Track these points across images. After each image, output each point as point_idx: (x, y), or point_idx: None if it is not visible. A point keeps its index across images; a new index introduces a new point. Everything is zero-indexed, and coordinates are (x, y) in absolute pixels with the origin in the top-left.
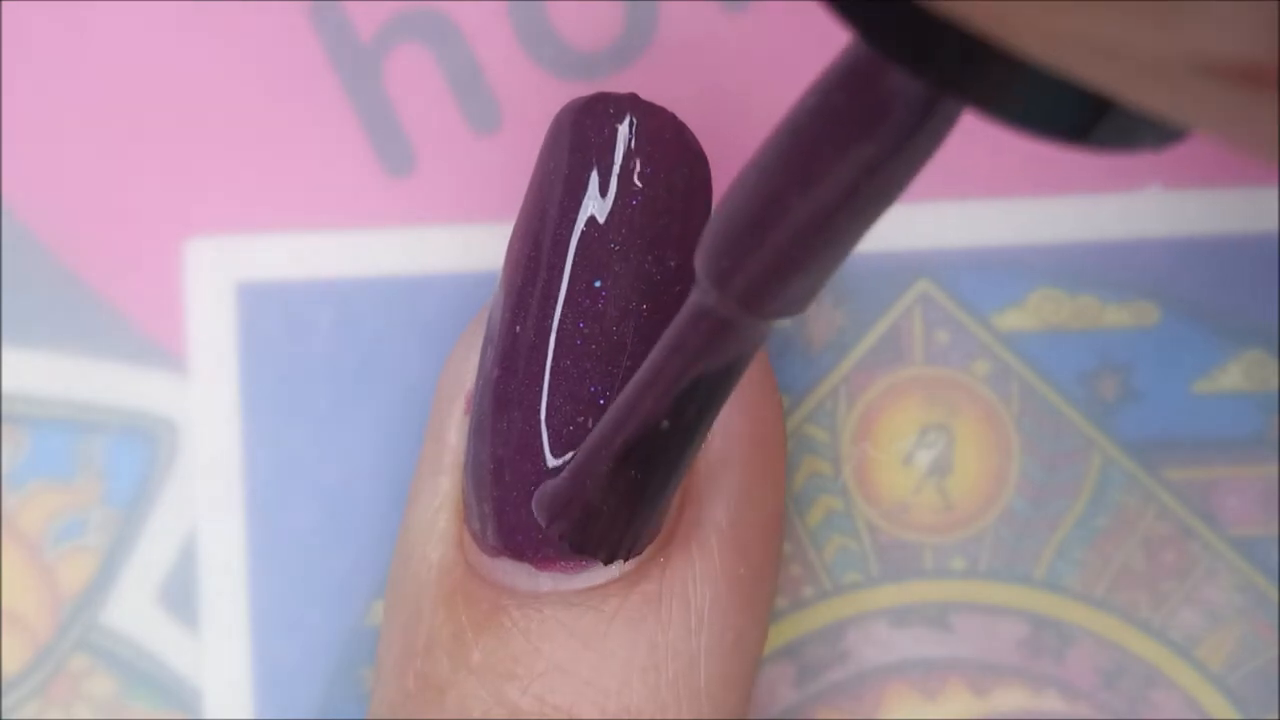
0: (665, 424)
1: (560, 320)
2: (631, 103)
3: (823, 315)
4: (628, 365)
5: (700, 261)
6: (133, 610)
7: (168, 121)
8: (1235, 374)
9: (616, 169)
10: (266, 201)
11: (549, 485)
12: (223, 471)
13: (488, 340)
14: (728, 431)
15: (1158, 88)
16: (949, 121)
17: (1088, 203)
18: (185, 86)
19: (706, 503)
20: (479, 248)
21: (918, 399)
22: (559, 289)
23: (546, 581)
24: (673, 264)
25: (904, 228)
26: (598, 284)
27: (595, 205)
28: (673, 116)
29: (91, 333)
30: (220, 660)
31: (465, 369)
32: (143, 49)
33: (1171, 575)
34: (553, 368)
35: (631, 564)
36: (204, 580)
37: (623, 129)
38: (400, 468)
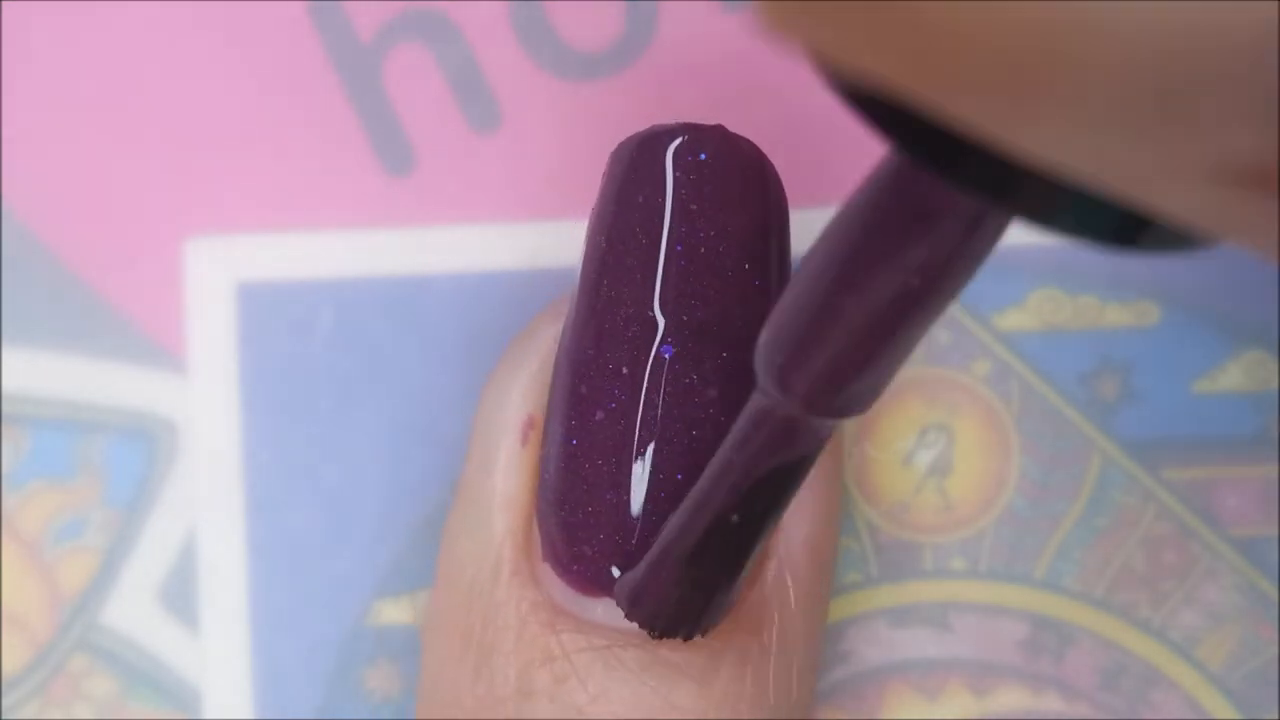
0: (735, 518)
1: (656, 354)
2: (718, 133)
3: None
4: (719, 398)
5: (760, 363)
6: (133, 610)
7: (168, 121)
8: (1235, 374)
9: (700, 199)
10: (266, 201)
11: (627, 577)
12: (223, 472)
13: (576, 378)
14: None
15: (1177, 197)
16: (1000, 226)
17: None
18: (185, 86)
19: (792, 525)
20: (479, 248)
21: (918, 399)
22: (656, 323)
23: None
24: (763, 304)
25: None
26: (695, 316)
27: (681, 235)
28: (755, 148)
29: (91, 333)
30: (220, 660)
31: (512, 400)
32: (142, 49)
33: (1171, 575)
34: (646, 403)
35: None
36: (204, 580)
37: (706, 159)
38: (400, 468)
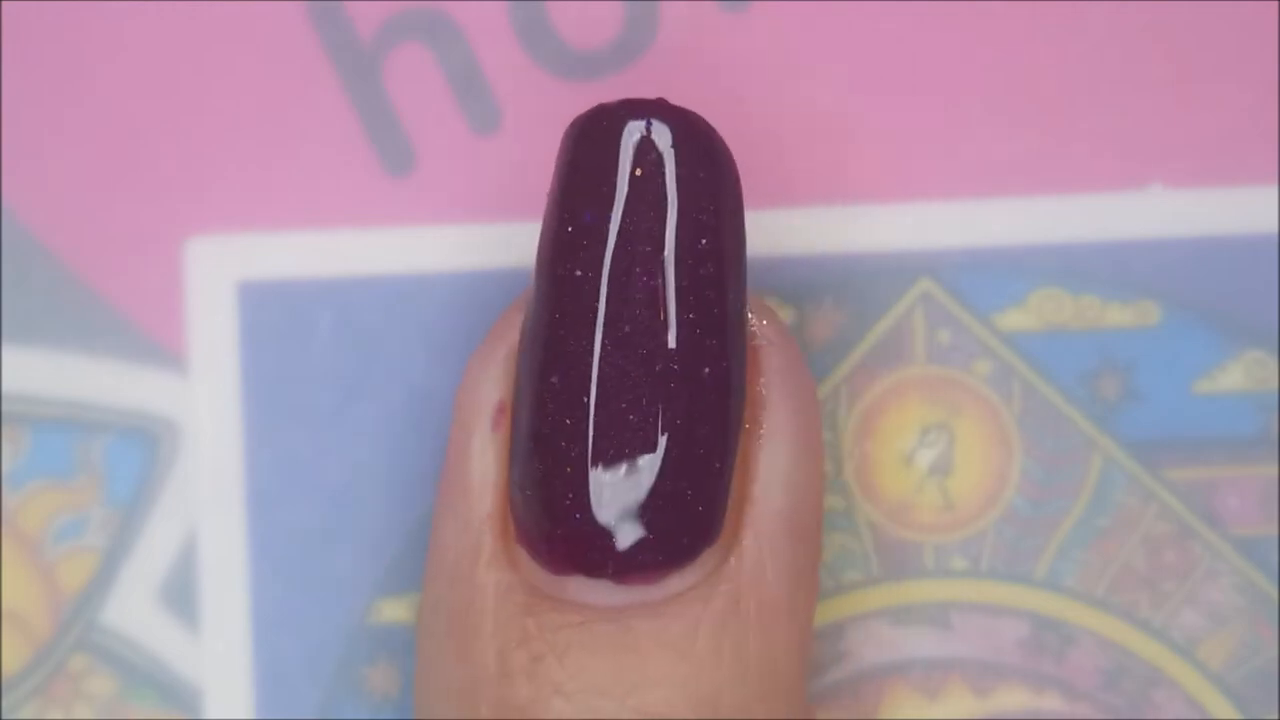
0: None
1: (605, 326)
2: (660, 107)
3: (823, 315)
4: (671, 367)
5: None
6: (133, 610)
7: (167, 121)
8: (1235, 374)
9: (646, 172)
10: (266, 201)
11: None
12: (223, 471)
13: (548, 356)
14: (775, 418)
15: None
16: None
17: (1088, 202)
18: (185, 86)
19: (764, 493)
20: (479, 248)
21: (919, 398)
22: (599, 296)
23: (627, 594)
24: (713, 270)
25: (904, 228)
26: (637, 287)
27: (626, 210)
28: (701, 119)
29: (91, 333)
30: (220, 660)
31: (485, 386)
32: (142, 49)
33: (1172, 575)
34: (600, 376)
35: (709, 566)
36: (204, 580)
37: (654, 134)
38: (401, 467)
